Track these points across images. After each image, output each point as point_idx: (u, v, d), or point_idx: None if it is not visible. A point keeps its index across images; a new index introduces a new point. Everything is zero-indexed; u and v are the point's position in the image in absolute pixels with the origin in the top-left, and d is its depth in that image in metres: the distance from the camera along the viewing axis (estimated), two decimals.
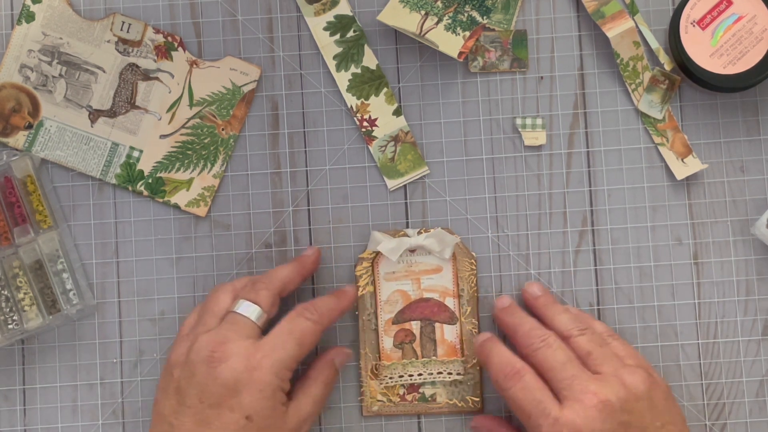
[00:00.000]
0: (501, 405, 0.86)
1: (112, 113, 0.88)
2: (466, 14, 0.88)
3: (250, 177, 0.88)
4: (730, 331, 0.86)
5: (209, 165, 0.88)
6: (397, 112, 0.88)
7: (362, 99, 0.88)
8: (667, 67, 0.88)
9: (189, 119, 0.88)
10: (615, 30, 0.87)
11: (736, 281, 0.87)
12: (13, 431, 0.86)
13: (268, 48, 0.89)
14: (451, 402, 0.85)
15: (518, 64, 0.88)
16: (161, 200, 0.88)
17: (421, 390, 0.86)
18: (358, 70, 0.88)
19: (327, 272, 0.87)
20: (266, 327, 0.80)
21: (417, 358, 0.86)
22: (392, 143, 0.88)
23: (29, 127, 0.88)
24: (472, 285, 0.86)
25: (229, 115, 0.88)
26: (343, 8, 0.89)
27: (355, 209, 0.88)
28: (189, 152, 0.88)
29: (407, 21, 0.87)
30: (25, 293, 0.85)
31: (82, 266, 0.87)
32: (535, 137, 0.88)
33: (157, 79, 0.88)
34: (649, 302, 0.87)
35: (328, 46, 0.89)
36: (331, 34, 0.89)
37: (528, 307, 0.85)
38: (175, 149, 0.88)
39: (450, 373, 0.85)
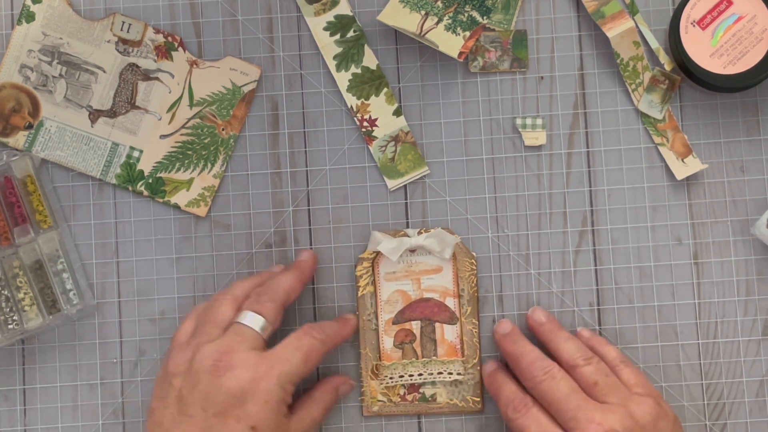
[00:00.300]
0: None
1: (112, 113, 0.88)
2: (466, 14, 0.88)
3: (250, 177, 0.88)
4: (730, 331, 0.86)
5: (209, 165, 0.88)
6: (397, 112, 0.88)
7: (362, 99, 0.88)
8: (667, 67, 0.88)
9: (189, 119, 0.88)
10: (615, 30, 0.87)
11: (736, 281, 0.87)
12: (13, 431, 0.86)
13: (268, 48, 0.89)
14: (452, 402, 0.86)
15: (518, 64, 0.88)
16: (161, 200, 0.88)
17: (421, 390, 0.86)
18: (358, 70, 0.88)
19: (327, 272, 0.87)
20: (270, 340, 0.80)
21: (417, 358, 0.86)
22: (392, 143, 0.88)
23: (29, 127, 0.88)
24: (473, 285, 0.86)
25: (229, 115, 0.88)
26: (343, 8, 0.89)
27: (355, 209, 0.88)
28: (189, 152, 0.88)
29: (407, 21, 0.87)
30: (25, 293, 0.85)
31: (82, 266, 0.87)
32: (535, 137, 0.88)
33: (157, 79, 0.88)
34: (649, 302, 0.87)
35: (328, 46, 0.89)
36: (331, 34, 0.89)
37: (533, 333, 0.84)
38: (175, 149, 0.88)
39: (450, 373, 0.85)
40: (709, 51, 0.85)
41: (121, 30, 0.88)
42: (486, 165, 0.88)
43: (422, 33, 0.87)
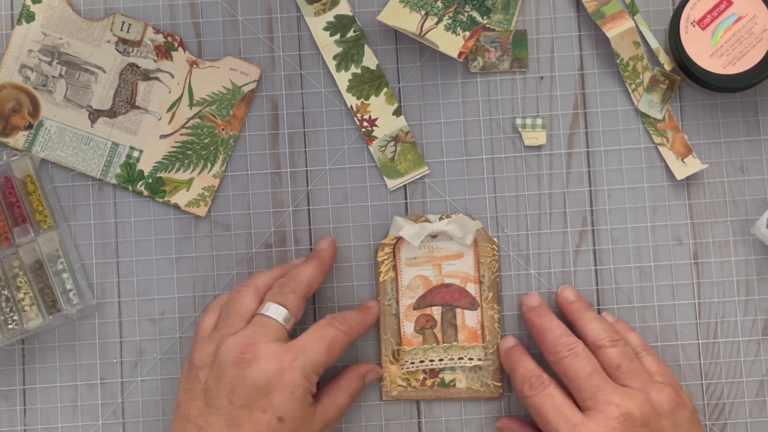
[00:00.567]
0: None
1: (112, 113, 0.88)
2: (466, 14, 0.88)
3: (250, 177, 0.88)
4: (730, 331, 0.86)
5: (209, 165, 0.88)
6: (397, 112, 0.88)
7: (362, 99, 0.88)
8: (667, 67, 0.88)
9: (189, 119, 0.88)
10: (615, 30, 0.87)
11: (736, 281, 0.87)
12: (13, 431, 0.86)
13: (268, 48, 0.89)
14: (472, 387, 0.86)
15: (518, 64, 0.88)
16: (161, 200, 0.88)
17: (441, 375, 0.86)
18: (358, 70, 0.88)
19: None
20: (293, 331, 0.80)
21: (438, 344, 0.86)
22: (392, 143, 0.88)
23: (29, 127, 0.88)
24: (494, 271, 0.86)
25: (229, 115, 0.88)
26: (343, 8, 0.89)
27: (355, 209, 0.88)
28: (189, 152, 0.88)
29: (407, 21, 0.87)
30: (25, 293, 0.85)
31: (82, 266, 0.87)
32: (535, 137, 0.88)
33: (157, 79, 0.88)
34: (649, 302, 0.87)
35: (328, 46, 0.89)
36: (331, 34, 0.89)
37: (561, 311, 0.84)
38: (175, 149, 0.88)
39: (471, 359, 0.86)
40: (709, 51, 0.85)
41: (121, 30, 0.88)
42: (486, 165, 0.88)
43: (422, 33, 0.87)
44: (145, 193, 0.88)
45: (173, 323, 0.87)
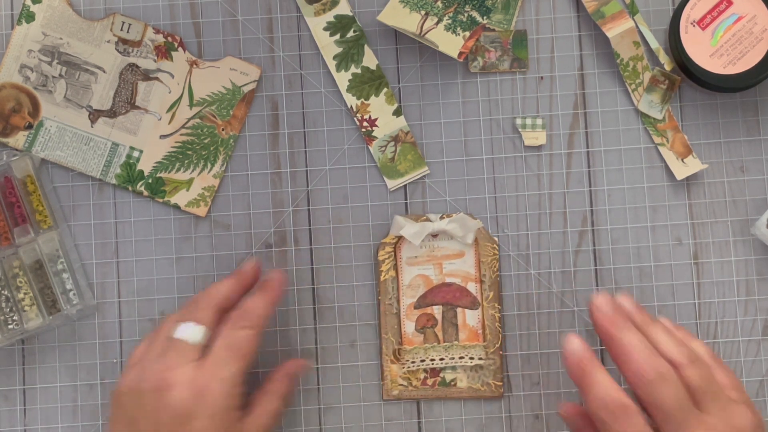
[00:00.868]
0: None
1: (112, 113, 0.88)
2: (466, 14, 0.88)
3: (250, 177, 0.88)
4: (730, 331, 0.86)
5: (209, 165, 0.88)
6: (397, 112, 0.88)
7: (362, 99, 0.88)
8: (667, 67, 0.88)
9: (189, 119, 0.88)
10: (615, 30, 0.87)
11: (736, 281, 0.87)
12: (13, 431, 0.86)
13: (268, 48, 0.89)
14: (473, 387, 0.86)
15: (518, 64, 0.88)
16: (161, 200, 0.88)
17: (441, 375, 0.86)
18: (358, 70, 0.88)
19: (327, 272, 0.87)
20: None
21: (439, 343, 0.86)
22: (392, 143, 0.88)
23: (29, 127, 0.88)
24: (494, 270, 0.86)
25: (229, 115, 0.88)
26: (343, 8, 0.89)
27: (355, 209, 0.88)
28: (189, 152, 0.88)
29: (407, 21, 0.87)
30: (25, 293, 0.85)
31: (82, 266, 0.87)
32: (535, 137, 0.88)
33: (157, 79, 0.88)
34: (649, 302, 0.87)
35: (328, 46, 0.89)
36: (331, 34, 0.89)
37: (601, 323, 0.80)
38: (175, 149, 0.88)
39: (471, 358, 0.86)
40: (709, 51, 0.85)
41: (121, 30, 0.88)
42: (486, 165, 0.88)
43: (422, 33, 0.87)
44: (145, 193, 0.88)
45: None
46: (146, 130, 0.88)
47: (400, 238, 0.87)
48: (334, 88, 0.89)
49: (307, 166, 0.88)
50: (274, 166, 0.88)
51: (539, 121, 0.88)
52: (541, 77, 0.88)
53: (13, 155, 0.87)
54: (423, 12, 0.87)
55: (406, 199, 0.88)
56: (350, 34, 0.89)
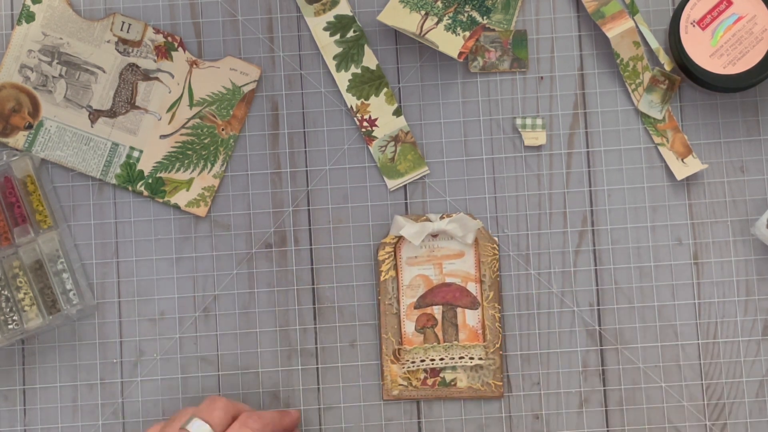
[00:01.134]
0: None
1: (112, 113, 0.88)
2: (466, 14, 0.88)
3: (250, 177, 0.88)
4: (730, 331, 0.87)
5: (209, 165, 0.88)
6: (397, 112, 0.88)
7: (362, 99, 0.88)
8: (667, 67, 0.88)
9: (189, 119, 0.88)
10: (615, 30, 0.87)
11: (736, 281, 0.87)
12: (13, 431, 0.86)
13: (268, 48, 0.89)
14: (473, 387, 0.86)
15: (518, 64, 0.88)
16: (161, 200, 0.88)
17: (441, 374, 0.86)
18: (358, 70, 0.88)
19: (327, 272, 0.87)
20: None
21: (439, 343, 0.86)
22: (392, 143, 0.88)
23: (29, 127, 0.88)
24: (494, 270, 0.86)
25: (229, 115, 0.88)
26: (343, 8, 0.89)
27: (355, 209, 0.88)
28: (189, 152, 0.88)
29: (407, 21, 0.87)
30: (25, 293, 0.85)
31: (82, 266, 0.87)
32: (535, 137, 0.88)
33: (157, 79, 0.88)
34: (649, 302, 0.87)
35: (328, 46, 0.89)
36: (331, 34, 0.89)
37: None
38: (175, 149, 0.88)
39: (471, 358, 0.86)
40: (709, 51, 0.85)
41: (121, 30, 0.88)
42: (486, 165, 0.88)
43: (422, 33, 0.87)
44: (145, 193, 0.88)
45: (173, 323, 0.87)
46: (146, 130, 0.88)
47: (400, 238, 0.87)
48: (334, 88, 0.89)
49: (307, 166, 0.88)
50: (274, 166, 0.88)
51: (539, 121, 0.88)
52: (541, 77, 0.88)
53: (13, 155, 0.87)
54: (423, 12, 0.87)
55: (406, 199, 0.88)
56: (350, 34, 0.89)
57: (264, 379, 0.86)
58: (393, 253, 0.87)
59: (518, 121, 0.88)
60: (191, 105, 0.88)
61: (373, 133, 0.88)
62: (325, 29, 0.89)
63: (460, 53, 0.86)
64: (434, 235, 0.87)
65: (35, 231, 0.86)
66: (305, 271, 0.87)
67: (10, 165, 0.86)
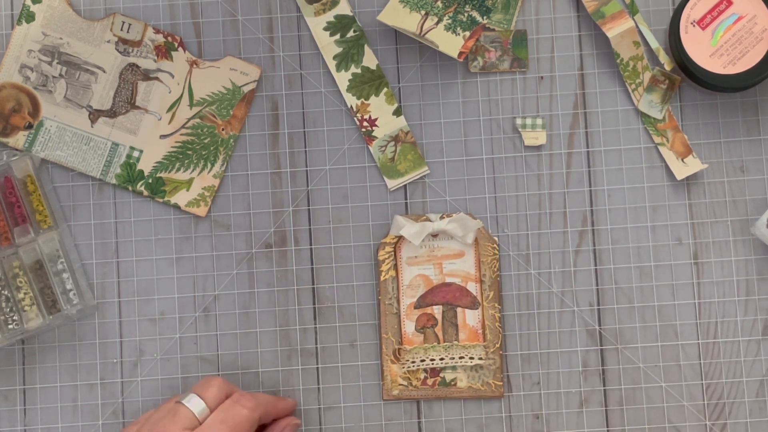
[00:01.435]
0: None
1: (112, 113, 0.88)
2: (466, 14, 0.88)
3: (250, 177, 0.88)
4: (730, 331, 0.86)
5: (209, 165, 0.88)
6: (397, 112, 0.88)
7: (362, 99, 0.88)
8: (667, 67, 0.88)
9: (189, 119, 0.88)
10: (615, 30, 0.87)
11: (736, 281, 0.87)
12: (13, 431, 0.86)
13: (268, 48, 0.89)
14: (473, 386, 0.86)
15: (518, 64, 0.88)
16: (161, 200, 0.88)
17: (441, 374, 0.86)
18: (358, 70, 0.88)
19: (327, 272, 0.87)
20: None
21: (439, 343, 0.86)
22: (392, 143, 0.88)
23: (29, 127, 0.88)
24: (495, 270, 0.86)
25: (229, 115, 0.88)
26: (343, 8, 0.89)
27: (355, 209, 0.88)
28: (189, 152, 0.88)
29: (407, 21, 0.87)
30: (25, 293, 0.85)
31: (82, 266, 0.87)
32: (535, 137, 0.88)
33: (157, 79, 0.88)
34: (649, 302, 0.87)
35: (328, 46, 0.89)
36: (331, 34, 0.89)
37: None
38: (175, 149, 0.88)
39: (471, 358, 0.86)
40: (709, 51, 0.85)
41: (121, 30, 0.88)
42: (486, 165, 0.88)
43: (422, 33, 0.87)
44: (145, 193, 0.88)
45: (173, 323, 0.87)
46: (146, 130, 0.88)
47: (400, 238, 0.87)
48: (334, 88, 0.89)
49: (307, 166, 0.88)
50: (274, 166, 0.88)
51: (539, 121, 0.88)
52: (541, 77, 0.88)
53: (13, 155, 0.87)
54: (423, 12, 0.87)
55: (406, 199, 0.88)
56: (350, 34, 0.89)
57: (264, 379, 0.86)
58: (393, 253, 0.87)
59: (518, 121, 0.88)
60: (191, 105, 0.88)
61: (373, 133, 0.88)
62: (325, 29, 0.89)
63: (460, 53, 0.86)
64: (434, 235, 0.87)
65: (35, 231, 0.86)
66: (305, 271, 0.87)
67: (10, 165, 0.86)
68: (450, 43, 0.87)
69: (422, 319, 0.87)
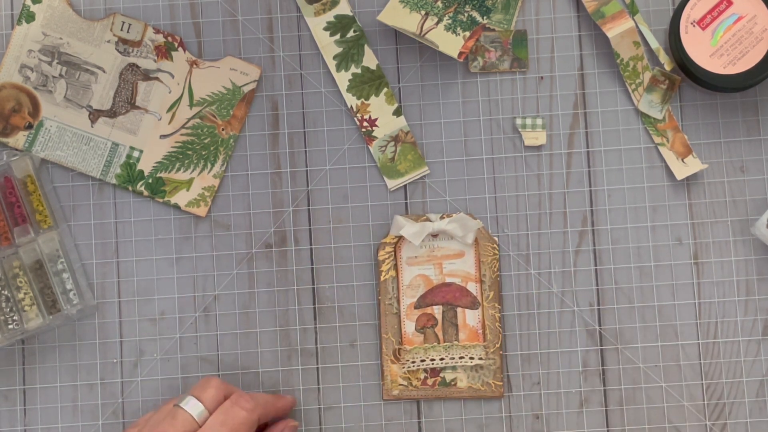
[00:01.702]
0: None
1: (112, 113, 0.88)
2: (466, 14, 0.88)
3: (250, 177, 0.88)
4: (730, 331, 0.86)
5: (209, 165, 0.88)
6: (397, 112, 0.88)
7: (362, 99, 0.88)
8: (667, 67, 0.88)
9: (189, 119, 0.88)
10: (615, 30, 0.87)
11: (736, 281, 0.87)
12: (13, 431, 0.86)
13: (268, 48, 0.89)
14: (473, 386, 0.86)
15: (518, 64, 0.88)
16: (161, 200, 0.88)
17: (441, 374, 0.86)
18: (358, 70, 0.88)
19: (327, 272, 0.87)
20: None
21: (439, 343, 0.86)
22: (392, 143, 0.88)
23: (29, 127, 0.88)
24: (494, 270, 0.86)
25: (229, 115, 0.88)
26: (343, 8, 0.89)
27: (355, 209, 0.88)
28: (189, 152, 0.88)
29: (407, 21, 0.87)
30: (25, 293, 0.85)
31: (82, 266, 0.87)
32: (535, 137, 0.88)
33: (157, 79, 0.88)
34: (649, 302, 0.87)
35: (328, 46, 0.89)
36: (331, 34, 0.89)
37: None
38: (175, 149, 0.88)
39: (471, 358, 0.86)
40: (709, 51, 0.85)
41: (121, 30, 0.88)
42: (486, 165, 0.88)
43: (422, 33, 0.87)
44: (145, 193, 0.88)
45: (173, 323, 0.87)
46: (146, 130, 0.88)
47: (400, 238, 0.87)
48: (334, 88, 0.89)
49: (307, 166, 0.88)
50: (274, 166, 0.88)
51: (539, 121, 0.88)
52: (541, 77, 0.88)
53: (13, 155, 0.87)
54: (423, 12, 0.87)
55: (406, 199, 0.88)
56: (350, 34, 0.89)
57: (264, 379, 0.86)
58: (393, 253, 0.87)
59: (518, 121, 0.88)
60: (191, 105, 0.88)
61: (373, 133, 0.88)
62: (325, 29, 0.89)
63: (460, 53, 0.86)
64: (434, 235, 0.87)
65: (35, 231, 0.86)
66: (305, 271, 0.87)
67: (10, 165, 0.86)
68: (450, 43, 0.87)
69: (422, 319, 0.87)
